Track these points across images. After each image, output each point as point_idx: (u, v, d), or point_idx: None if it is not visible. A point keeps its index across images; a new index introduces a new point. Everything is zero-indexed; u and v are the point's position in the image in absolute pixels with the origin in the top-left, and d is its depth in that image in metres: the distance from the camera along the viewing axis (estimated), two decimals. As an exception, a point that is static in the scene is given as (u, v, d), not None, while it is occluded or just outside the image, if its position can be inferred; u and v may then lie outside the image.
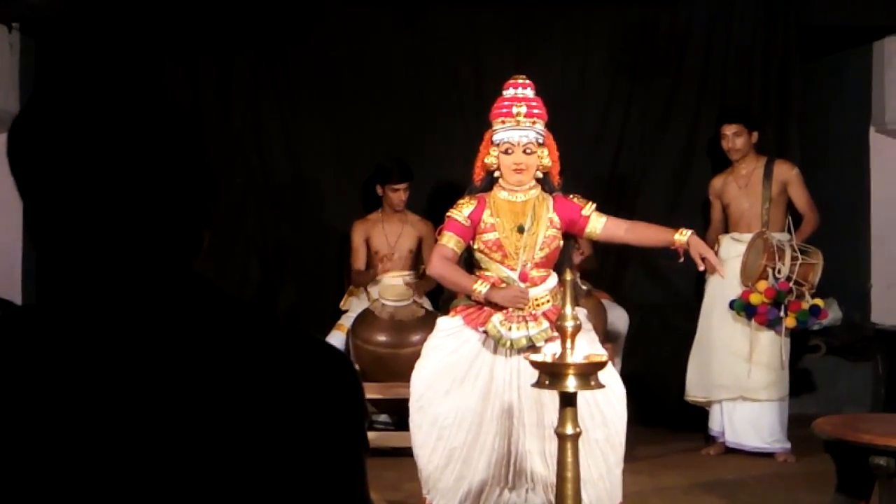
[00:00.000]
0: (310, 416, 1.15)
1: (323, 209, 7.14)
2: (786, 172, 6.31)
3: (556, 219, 4.30)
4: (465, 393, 4.21)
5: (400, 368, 5.68)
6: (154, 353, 1.12)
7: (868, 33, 7.30)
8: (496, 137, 4.29)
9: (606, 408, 4.14)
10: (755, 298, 5.99)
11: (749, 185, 6.32)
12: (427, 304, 6.46)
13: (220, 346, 1.15)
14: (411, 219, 6.62)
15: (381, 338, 6.17)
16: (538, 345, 4.11)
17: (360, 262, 6.60)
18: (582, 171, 6.63)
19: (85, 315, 1.14)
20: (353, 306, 6.55)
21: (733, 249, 6.22)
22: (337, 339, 6.34)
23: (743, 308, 6.05)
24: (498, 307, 4.19)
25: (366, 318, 6.26)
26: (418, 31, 7.11)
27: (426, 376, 4.27)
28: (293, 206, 7.14)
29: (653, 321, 6.97)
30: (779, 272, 5.95)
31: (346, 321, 6.44)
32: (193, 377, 1.12)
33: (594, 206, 4.35)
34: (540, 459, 4.15)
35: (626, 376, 4.91)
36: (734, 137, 6.32)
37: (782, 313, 6.00)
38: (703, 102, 7.08)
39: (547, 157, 4.30)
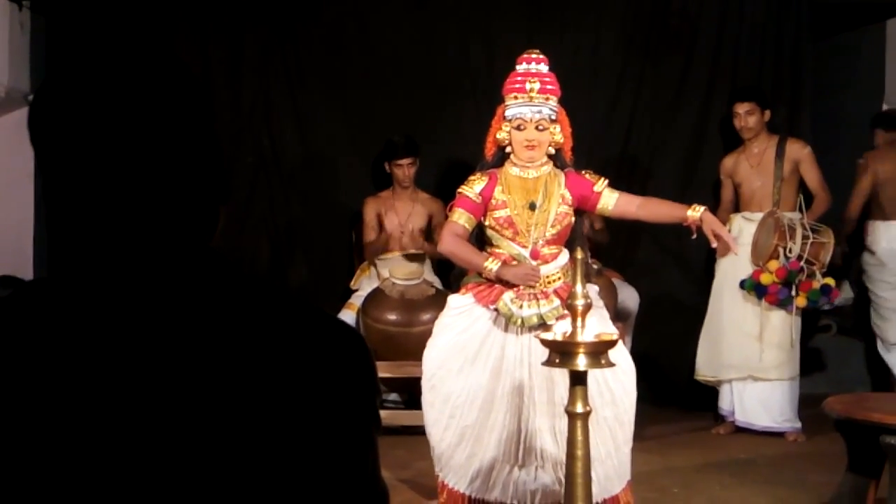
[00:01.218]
0: (323, 393, 1.16)
1: (334, 188, 7.14)
2: (798, 151, 6.29)
3: (567, 195, 4.28)
4: (476, 371, 4.21)
5: (410, 347, 5.69)
6: (167, 330, 1.12)
7: (881, 10, 7.26)
8: (508, 113, 4.27)
9: (615, 385, 4.14)
10: (766, 278, 5.97)
11: (761, 164, 6.30)
12: (437, 282, 6.46)
13: (235, 321, 1.15)
14: (422, 197, 6.62)
15: (392, 316, 6.17)
16: (549, 322, 4.11)
17: (372, 234, 6.61)
18: (593, 150, 6.61)
19: (98, 290, 1.14)
20: (364, 285, 6.56)
21: (745, 229, 6.21)
22: (347, 318, 6.34)
23: (753, 288, 6.04)
24: (509, 284, 4.19)
25: (376, 296, 6.26)
26: (429, 10, 7.09)
27: (438, 355, 4.27)
28: (304, 186, 7.13)
29: (663, 300, 6.96)
30: (790, 251, 5.93)
31: (357, 300, 6.44)
32: (207, 353, 1.12)
33: (606, 181, 4.33)
34: (550, 437, 4.15)
35: (636, 355, 4.91)
36: (746, 116, 6.30)
37: (793, 293, 5.99)
38: (716, 81, 7.04)
39: (559, 134, 4.27)
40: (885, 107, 7.31)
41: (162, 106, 1.17)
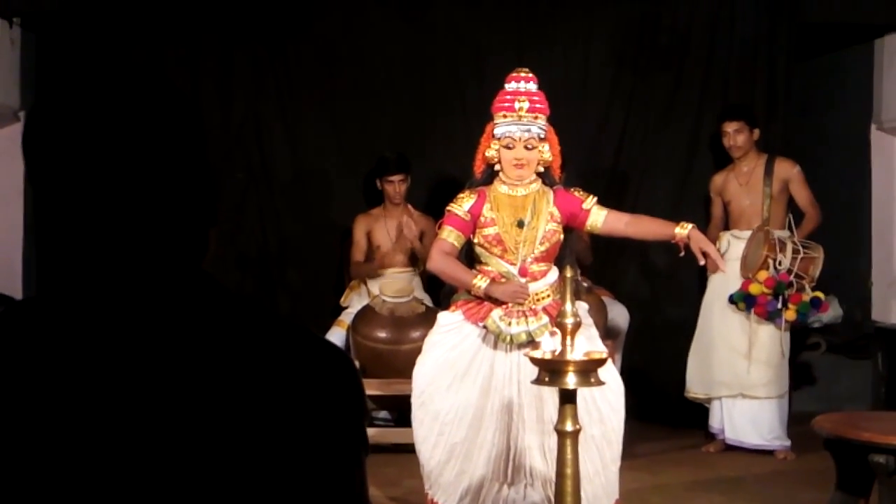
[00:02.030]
0: (310, 415, 1.15)
1: (324, 205, 7.14)
2: (787, 170, 6.31)
3: (556, 212, 4.29)
4: (465, 388, 4.21)
5: (399, 365, 5.68)
6: (154, 350, 1.12)
7: (869, 31, 7.29)
8: (497, 131, 4.27)
9: (603, 404, 4.14)
10: (755, 288, 5.98)
11: (750, 183, 6.32)
12: (427, 300, 6.46)
13: (221, 343, 1.15)
14: (413, 213, 6.61)
15: (381, 334, 6.16)
16: (538, 340, 4.11)
17: (359, 254, 6.59)
18: (583, 166, 6.63)
19: (87, 310, 1.14)
20: (354, 302, 6.55)
21: (734, 246, 6.22)
22: (337, 335, 6.34)
23: (743, 299, 6.05)
24: (498, 302, 4.19)
25: (366, 314, 6.25)
26: (419, 26, 7.11)
27: (427, 372, 4.27)
28: (294, 202, 7.13)
29: (653, 318, 6.97)
30: (780, 264, 5.95)
31: (347, 317, 6.43)
32: (193, 374, 1.12)
33: (595, 199, 4.34)
34: (539, 455, 4.15)
35: (626, 373, 4.92)
36: (735, 135, 6.32)
37: (781, 305, 6.00)
38: (705, 98, 7.07)
39: (548, 152, 4.28)
40: (873, 126, 7.35)
41: (153, 128, 1.17)
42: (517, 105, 4.23)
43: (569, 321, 3.26)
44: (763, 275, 5.96)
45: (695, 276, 6.59)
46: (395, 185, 6.51)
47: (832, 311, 6.16)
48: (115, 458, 1.08)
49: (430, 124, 7.07)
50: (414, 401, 4.31)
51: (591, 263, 6.52)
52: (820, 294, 6.02)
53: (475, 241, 4.30)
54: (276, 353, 1.17)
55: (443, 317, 4.38)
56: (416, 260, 6.51)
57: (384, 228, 6.56)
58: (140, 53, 6.77)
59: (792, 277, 5.95)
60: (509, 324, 4.14)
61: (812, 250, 6.04)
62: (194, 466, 1.09)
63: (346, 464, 1.18)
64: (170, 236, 1.18)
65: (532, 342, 4.11)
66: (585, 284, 5.83)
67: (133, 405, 1.10)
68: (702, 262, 4.27)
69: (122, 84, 1.19)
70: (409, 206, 6.62)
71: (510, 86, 4.29)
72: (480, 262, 4.32)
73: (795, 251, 5.97)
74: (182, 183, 1.19)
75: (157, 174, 1.17)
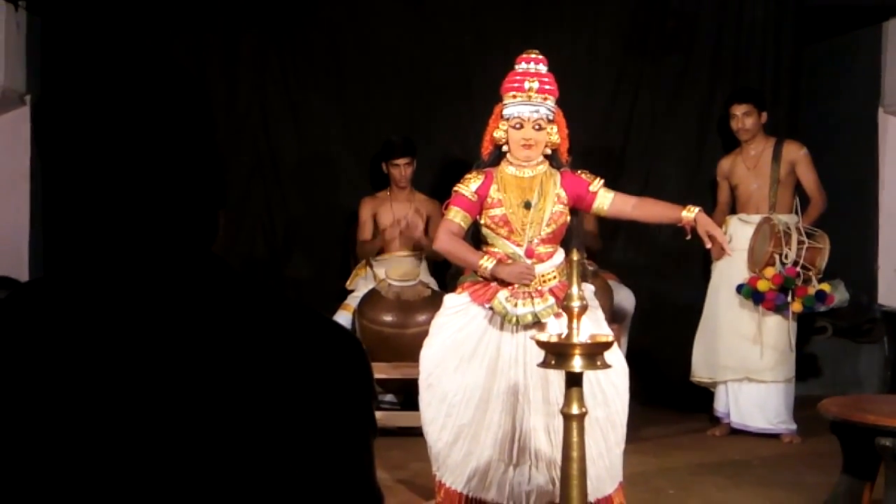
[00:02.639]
0: (318, 397, 1.16)
1: (330, 189, 7.14)
2: (794, 153, 6.29)
3: (563, 194, 4.28)
4: (472, 370, 4.22)
5: (405, 348, 5.69)
6: (163, 332, 1.12)
7: (877, 13, 7.25)
8: (506, 111, 4.27)
9: (608, 387, 4.15)
10: (762, 285, 5.98)
11: (758, 167, 6.31)
12: (433, 283, 6.46)
13: (231, 325, 1.15)
14: (418, 198, 6.61)
15: (387, 318, 6.17)
16: (544, 321, 4.12)
17: (366, 234, 6.59)
18: (592, 150, 6.61)
19: (95, 292, 1.14)
20: (360, 286, 6.56)
21: (741, 230, 6.21)
22: (343, 319, 6.35)
23: (750, 294, 6.05)
24: (504, 283, 4.19)
25: (372, 297, 6.26)
26: (425, 10, 7.09)
27: (435, 354, 4.28)
28: (300, 186, 7.13)
29: (659, 301, 6.97)
30: (786, 258, 5.94)
31: (353, 301, 6.44)
32: (202, 356, 1.12)
33: (602, 181, 4.33)
34: (544, 436, 4.16)
35: (631, 356, 4.91)
36: (744, 117, 6.30)
37: (789, 298, 6.00)
38: (714, 82, 7.05)
39: (556, 134, 4.28)
40: (880, 109, 7.32)
41: (162, 109, 1.17)
42: (527, 85, 4.22)
43: (575, 304, 3.26)
44: (770, 272, 5.95)
45: (701, 261, 6.59)
46: (401, 169, 6.51)
47: (839, 297, 6.15)
48: (122, 440, 1.09)
49: (435, 109, 7.06)
50: (421, 383, 4.31)
51: (599, 249, 6.51)
52: (826, 287, 6.01)
53: (482, 221, 4.30)
54: (285, 335, 1.17)
55: (449, 299, 4.38)
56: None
57: (390, 212, 6.56)
58: (145, 38, 6.76)
59: (798, 269, 5.94)
60: (515, 305, 4.15)
61: (818, 240, 6.02)
62: (203, 449, 1.10)
63: (354, 445, 1.18)
64: (178, 217, 1.18)
65: (538, 323, 4.12)
66: (591, 268, 5.82)
67: (139, 388, 1.10)
68: (708, 246, 4.26)
69: (132, 66, 1.19)
70: (415, 191, 6.62)
71: (520, 66, 4.29)
72: (487, 243, 4.32)
73: (801, 242, 5.95)
74: (190, 163, 1.19)
75: (166, 155, 1.17)
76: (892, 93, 7.20)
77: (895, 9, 7.15)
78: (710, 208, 5.58)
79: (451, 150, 6.73)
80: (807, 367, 6.90)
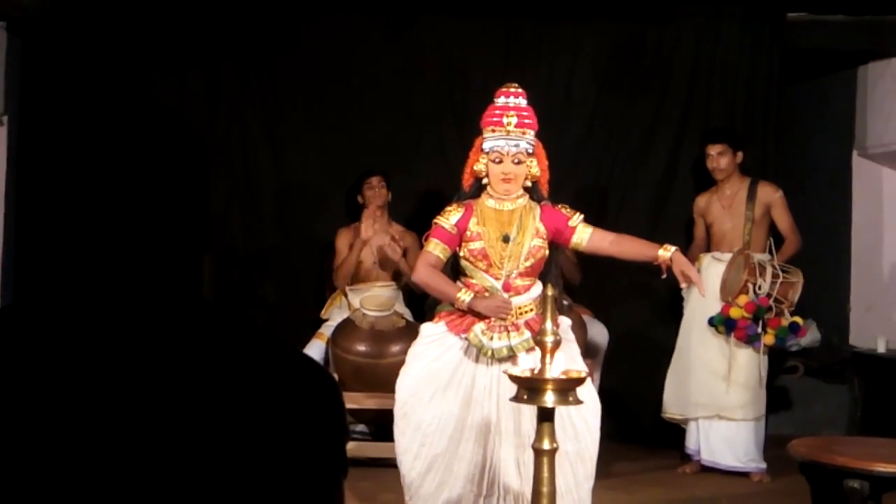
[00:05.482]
0: (290, 436, 1.15)
1: (307, 218, 7.13)
2: (770, 195, 6.35)
3: (542, 228, 4.31)
4: (447, 400, 4.22)
5: (379, 378, 5.68)
6: (130, 371, 1.12)
7: (852, 58, 7.35)
8: (486, 145, 4.29)
9: (578, 421, 4.15)
10: (735, 312, 6.01)
11: (732, 206, 6.36)
12: (408, 314, 6.46)
13: (201, 361, 1.15)
14: (395, 229, 6.60)
15: (361, 348, 6.16)
16: (518, 354, 4.13)
17: (341, 261, 6.56)
18: (565, 186, 6.62)
19: (65, 323, 1.14)
20: (334, 315, 6.54)
21: (714, 268, 6.25)
22: (317, 347, 6.33)
23: (722, 322, 6.07)
24: (481, 315, 4.21)
25: (346, 327, 6.25)
26: (406, 42, 7.12)
27: (410, 383, 4.27)
28: (277, 215, 7.13)
29: (632, 337, 6.98)
30: (759, 288, 5.99)
31: (327, 330, 6.42)
32: (172, 392, 1.12)
33: (581, 216, 4.36)
34: (514, 470, 4.15)
35: (604, 392, 4.92)
36: (719, 157, 6.35)
37: (760, 329, 6.03)
38: (688, 121, 7.11)
39: (536, 167, 4.30)
40: (854, 152, 7.40)
41: (155, 155, 1.17)
42: (506, 120, 4.25)
43: (549, 339, 3.27)
44: (743, 299, 5.99)
45: (674, 297, 6.62)
46: (375, 190, 6.50)
47: (810, 336, 6.19)
48: (90, 472, 1.08)
49: (415, 140, 7.08)
50: (397, 411, 4.31)
51: (579, 282, 6.53)
52: (798, 319, 6.06)
53: (461, 254, 4.32)
54: (256, 371, 1.17)
55: (426, 327, 4.39)
56: (398, 274, 6.51)
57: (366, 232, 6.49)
58: (126, 63, 6.76)
59: (771, 302, 5.98)
60: (491, 338, 4.16)
61: (791, 275, 6.07)
62: (170, 486, 1.09)
63: (324, 484, 1.18)
64: (157, 256, 1.17)
65: (513, 356, 4.13)
66: (566, 302, 5.83)
67: (103, 427, 1.09)
68: (683, 286, 4.30)
69: (120, 106, 1.19)
70: (393, 222, 6.61)
71: (500, 100, 4.32)
72: (465, 276, 4.34)
73: (775, 275, 6.00)
74: (176, 208, 1.19)
75: (154, 198, 1.17)
76: (866, 136, 7.29)
77: (871, 54, 7.24)
78: (681, 245, 5.60)
79: (431, 181, 6.74)
80: (777, 405, 6.93)
